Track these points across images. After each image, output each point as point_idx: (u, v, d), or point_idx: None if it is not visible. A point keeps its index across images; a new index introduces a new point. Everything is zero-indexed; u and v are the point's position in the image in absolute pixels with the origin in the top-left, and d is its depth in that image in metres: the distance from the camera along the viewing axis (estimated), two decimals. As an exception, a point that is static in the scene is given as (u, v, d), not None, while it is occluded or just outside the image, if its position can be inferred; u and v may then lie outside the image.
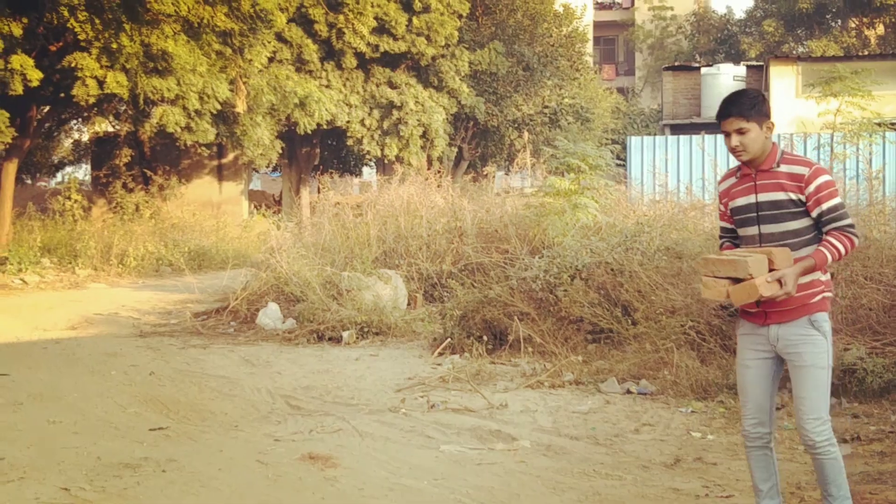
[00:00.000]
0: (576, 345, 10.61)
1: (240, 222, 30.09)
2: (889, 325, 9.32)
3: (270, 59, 28.40)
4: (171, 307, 16.29)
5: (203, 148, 28.92)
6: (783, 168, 5.03)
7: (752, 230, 5.10)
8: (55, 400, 9.21)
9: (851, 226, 4.91)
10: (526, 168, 22.19)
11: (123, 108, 27.23)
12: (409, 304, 14.17)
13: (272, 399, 9.38)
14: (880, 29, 46.90)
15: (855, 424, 7.94)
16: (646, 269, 10.72)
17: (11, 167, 24.17)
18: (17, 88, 19.84)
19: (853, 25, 47.13)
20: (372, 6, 30.42)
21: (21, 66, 19.63)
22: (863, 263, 10.20)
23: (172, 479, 6.68)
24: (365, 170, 40.30)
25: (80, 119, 30.43)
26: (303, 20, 30.39)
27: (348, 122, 31.49)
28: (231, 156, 32.06)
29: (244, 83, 26.36)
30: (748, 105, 5.03)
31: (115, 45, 20.36)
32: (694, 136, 22.93)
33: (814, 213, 4.95)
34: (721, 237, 5.49)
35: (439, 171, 20.44)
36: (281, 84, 28.41)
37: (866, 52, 40.56)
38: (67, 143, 36.36)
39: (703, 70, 36.41)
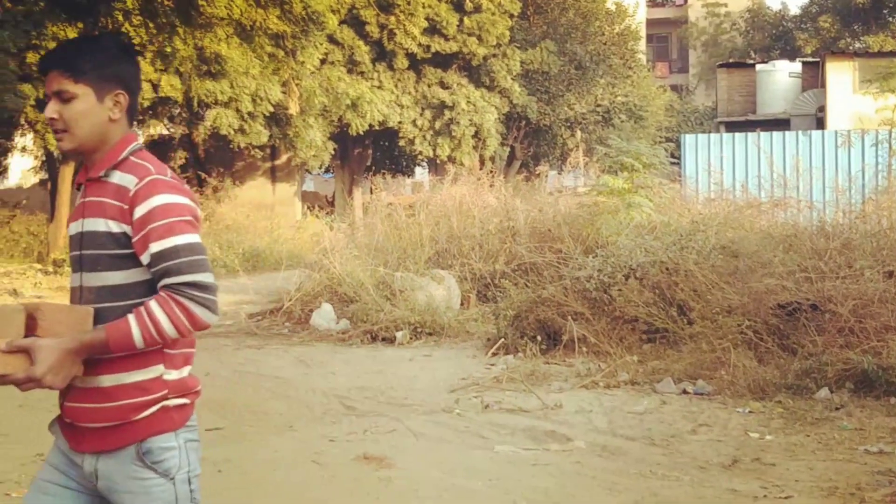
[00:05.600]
0: (631, 345, 10.53)
1: (293, 223, 30.22)
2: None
3: (322, 61, 28.57)
4: (225, 308, 16.35)
5: (256, 150, 29.14)
6: (115, 178, 2.98)
7: (76, 279, 3.04)
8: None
9: (200, 286, 2.86)
10: (579, 167, 22.10)
11: (178, 111, 27.53)
12: (462, 305, 14.15)
13: (327, 399, 9.40)
14: (938, 23, 46.22)
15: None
16: (701, 269, 10.63)
17: (68, 171, 24.46)
18: (74, 93, 20.06)
19: (910, 20, 46.46)
20: (423, 7, 30.47)
21: (77, 70, 19.85)
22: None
23: (228, 478, 6.71)
24: (417, 170, 40.37)
25: (135, 122, 30.75)
26: (354, 22, 30.51)
27: (400, 122, 31.58)
28: (284, 157, 32.23)
29: (296, 85, 26.53)
30: (85, 56, 3.00)
31: (168, 49, 20.58)
32: (749, 134, 22.71)
33: (143, 259, 2.89)
34: None
35: (492, 171, 20.43)
36: (333, 85, 28.57)
37: (924, 47, 39.96)
38: (123, 146, 36.75)
39: (759, 67, 36.05)
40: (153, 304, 2.83)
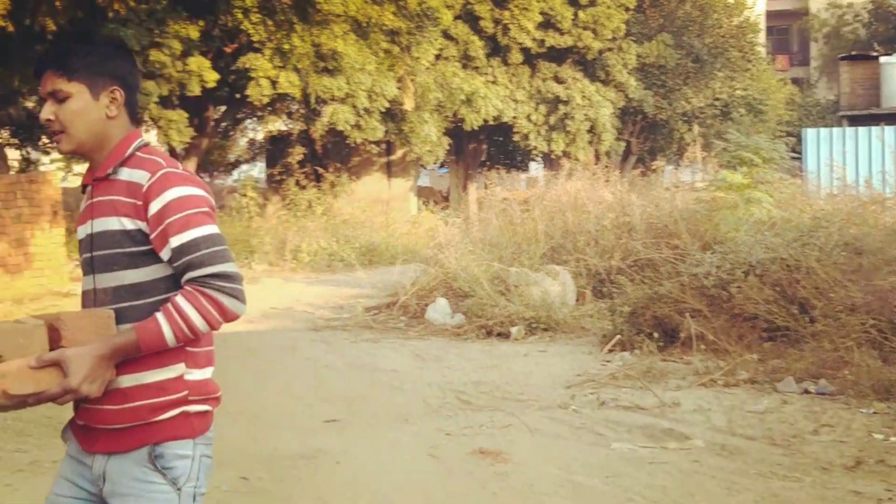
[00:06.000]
0: (750, 343, 10.34)
1: (408, 218, 30.39)
2: None
3: (437, 57, 28.70)
4: (343, 302, 16.59)
5: (372, 145, 29.44)
6: (124, 175, 2.94)
7: (88, 282, 3.00)
8: (233, 391, 9.46)
9: (225, 276, 2.82)
10: (696, 162, 21.80)
11: (296, 107, 27.97)
12: (577, 300, 14.07)
13: (442, 393, 9.46)
14: None
15: None
16: (824, 266, 10.39)
17: (191, 165, 25.07)
18: (195, 89, 20.55)
19: None
20: (537, 1, 30.40)
21: (198, 67, 20.35)
22: None
23: (347, 470, 6.81)
24: (531, 165, 40.28)
25: (254, 118, 31.36)
26: (468, 17, 30.58)
27: (515, 117, 31.55)
28: (399, 153, 32.43)
29: (411, 81, 26.71)
30: (77, 54, 2.96)
31: (286, 46, 20.90)
32: (873, 128, 22.16)
33: (163, 255, 2.86)
34: None
35: (607, 166, 20.28)
36: (447, 81, 28.71)
37: None
38: (243, 141, 37.46)
39: (882, 59, 35.03)
40: (180, 299, 2.79)
